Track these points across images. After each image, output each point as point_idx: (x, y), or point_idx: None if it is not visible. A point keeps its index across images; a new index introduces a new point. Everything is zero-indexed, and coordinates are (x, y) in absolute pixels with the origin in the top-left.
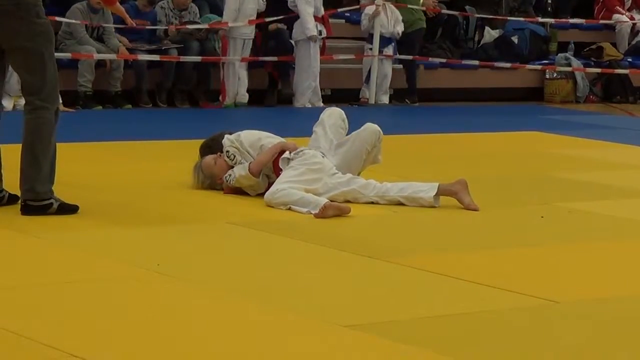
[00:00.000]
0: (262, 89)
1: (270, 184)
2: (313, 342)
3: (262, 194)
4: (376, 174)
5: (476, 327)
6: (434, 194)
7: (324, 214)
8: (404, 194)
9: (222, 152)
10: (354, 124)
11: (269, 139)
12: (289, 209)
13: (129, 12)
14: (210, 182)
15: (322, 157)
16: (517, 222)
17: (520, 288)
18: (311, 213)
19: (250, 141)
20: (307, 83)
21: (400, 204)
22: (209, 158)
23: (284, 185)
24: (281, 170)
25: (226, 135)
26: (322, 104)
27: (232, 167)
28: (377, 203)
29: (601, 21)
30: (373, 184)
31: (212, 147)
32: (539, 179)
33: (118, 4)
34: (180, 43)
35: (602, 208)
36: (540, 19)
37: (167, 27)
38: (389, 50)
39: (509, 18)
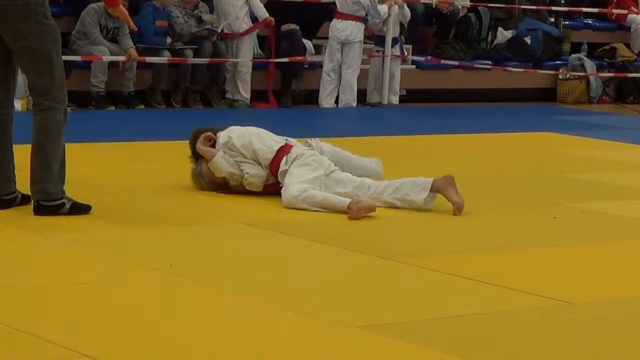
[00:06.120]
0: (276, 90)
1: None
2: (325, 343)
3: (269, 193)
4: (386, 175)
5: (489, 328)
6: (425, 196)
7: (357, 215)
8: (397, 196)
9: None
10: (370, 124)
11: (261, 145)
12: (314, 209)
13: (148, 13)
14: (214, 187)
15: (320, 154)
16: (530, 222)
17: (533, 289)
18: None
19: (242, 142)
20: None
21: (395, 206)
22: (208, 168)
23: (304, 186)
24: (279, 170)
25: (220, 140)
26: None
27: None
28: None
29: (615, 11)
30: (367, 185)
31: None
32: (551, 179)
33: (121, 6)
34: (193, 44)
35: (615, 209)
36: (552, 8)
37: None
38: (396, 50)
39: (523, 7)
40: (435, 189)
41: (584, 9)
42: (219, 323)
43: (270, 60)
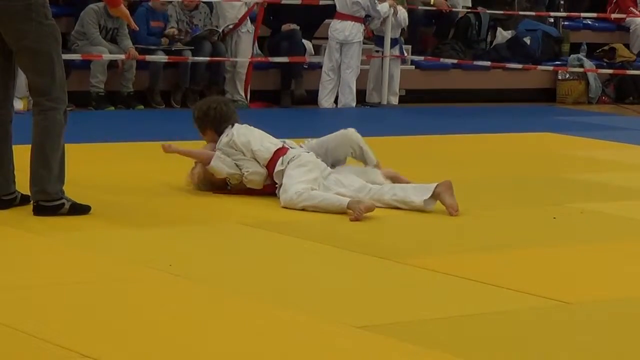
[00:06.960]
0: (276, 90)
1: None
2: (325, 343)
3: (268, 193)
4: None
5: (488, 328)
6: (426, 197)
7: (359, 216)
8: (397, 198)
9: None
10: (369, 125)
11: (259, 147)
12: (312, 210)
13: (141, 13)
14: (211, 188)
15: (315, 157)
16: (529, 222)
17: (532, 289)
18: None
19: (242, 141)
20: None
21: (395, 207)
22: (205, 169)
23: (303, 187)
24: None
25: (222, 139)
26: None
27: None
28: None
29: (613, 16)
30: (368, 187)
31: (207, 122)
32: (551, 180)
33: (123, 6)
34: (192, 45)
35: (614, 209)
36: (551, 14)
37: (175, 30)
38: (395, 50)
39: (521, 13)
40: (436, 194)
41: (583, 14)
42: (218, 323)
43: (269, 59)
